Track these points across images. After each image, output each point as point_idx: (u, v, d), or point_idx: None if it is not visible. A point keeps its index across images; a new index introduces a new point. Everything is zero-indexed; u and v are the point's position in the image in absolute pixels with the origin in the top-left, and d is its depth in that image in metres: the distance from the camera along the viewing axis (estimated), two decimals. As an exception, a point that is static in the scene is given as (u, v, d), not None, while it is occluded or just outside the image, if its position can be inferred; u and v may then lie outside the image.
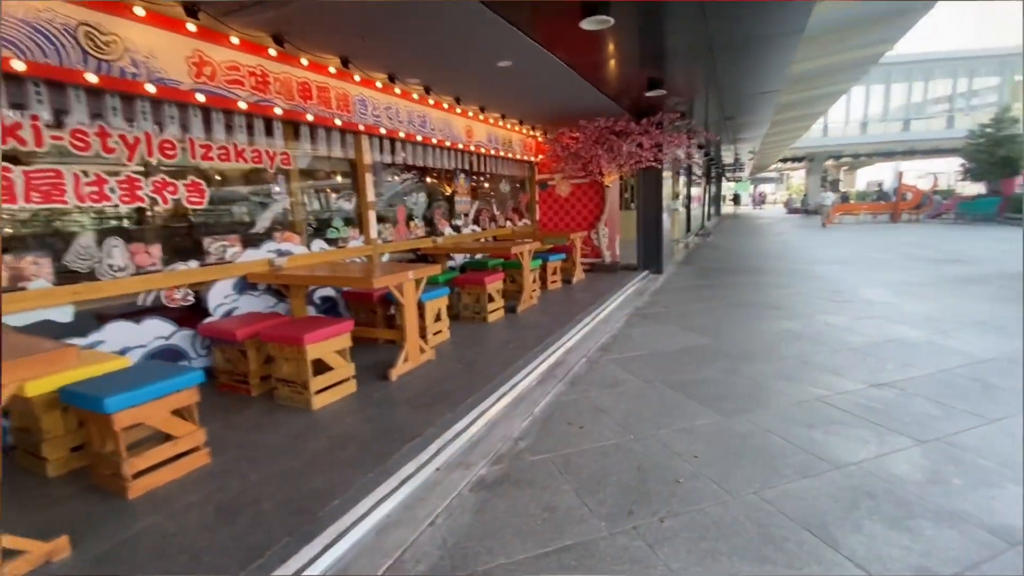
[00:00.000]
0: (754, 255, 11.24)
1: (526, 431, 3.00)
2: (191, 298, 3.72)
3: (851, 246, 12.42)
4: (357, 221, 5.27)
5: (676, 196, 15.96)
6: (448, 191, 7.24)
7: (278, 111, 4.07)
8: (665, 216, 9.04)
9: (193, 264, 3.72)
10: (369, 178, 5.26)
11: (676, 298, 6.81)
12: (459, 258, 7.01)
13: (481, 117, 7.16)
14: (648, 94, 6.00)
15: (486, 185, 8.32)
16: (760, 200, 47.13)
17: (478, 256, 6.97)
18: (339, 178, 5.24)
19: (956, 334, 4.63)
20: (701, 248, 13.28)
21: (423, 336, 4.20)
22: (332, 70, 4.56)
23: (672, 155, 8.29)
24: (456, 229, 7.21)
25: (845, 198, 31.33)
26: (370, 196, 5.30)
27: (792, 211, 33.71)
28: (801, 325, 5.14)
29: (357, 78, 4.86)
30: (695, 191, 20.51)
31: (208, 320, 3.75)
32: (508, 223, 8.77)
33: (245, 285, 4.07)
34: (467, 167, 7.08)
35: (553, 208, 9.53)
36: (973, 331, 4.71)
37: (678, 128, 8.29)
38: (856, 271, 8.51)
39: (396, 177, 6.15)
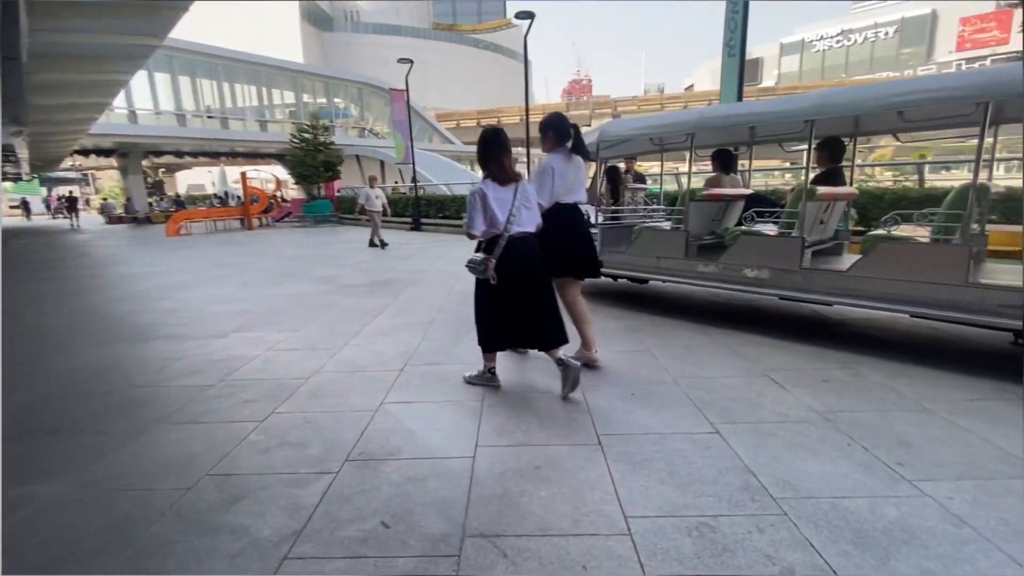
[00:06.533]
0: (108, 365, 5.20)
1: None
2: None
3: (244, 279, 8.25)
4: None
5: None
6: None
7: None
8: None
9: None
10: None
11: None
12: None
13: None
14: None
15: None
16: (70, 207, 25.54)
17: None
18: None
19: None
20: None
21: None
22: None
23: None
24: None
25: (180, 204, 27.02)
26: None
27: (114, 219, 25.85)
28: None
29: None
30: None
31: None
32: None
33: None
34: None
35: None
36: None
37: None
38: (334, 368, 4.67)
39: None
